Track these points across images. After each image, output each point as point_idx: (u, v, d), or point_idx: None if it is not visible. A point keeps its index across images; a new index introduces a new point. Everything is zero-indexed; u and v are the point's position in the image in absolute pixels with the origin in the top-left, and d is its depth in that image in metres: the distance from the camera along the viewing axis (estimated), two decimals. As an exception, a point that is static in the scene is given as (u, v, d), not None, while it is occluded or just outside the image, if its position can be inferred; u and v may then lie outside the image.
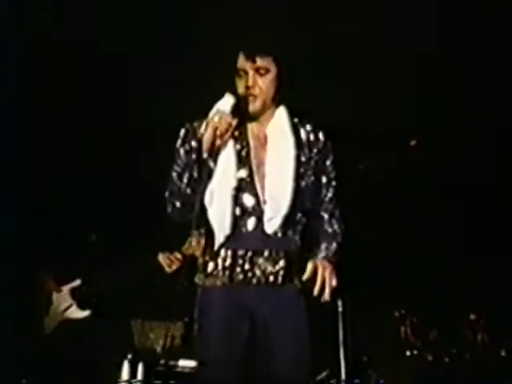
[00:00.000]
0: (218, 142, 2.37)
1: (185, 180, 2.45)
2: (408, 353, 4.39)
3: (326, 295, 2.39)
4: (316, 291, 2.39)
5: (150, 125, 4.43)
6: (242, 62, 2.52)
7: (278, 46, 2.64)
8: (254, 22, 3.87)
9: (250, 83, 2.49)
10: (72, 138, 4.52)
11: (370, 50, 4.17)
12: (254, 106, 2.50)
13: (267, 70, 2.51)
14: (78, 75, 4.29)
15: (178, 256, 4.15)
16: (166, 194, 2.53)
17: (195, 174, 2.44)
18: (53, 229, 4.43)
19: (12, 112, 4.11)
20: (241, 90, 2.50)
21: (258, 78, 2.50)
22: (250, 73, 2.50)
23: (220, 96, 2.49)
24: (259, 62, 2.50)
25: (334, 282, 2.41)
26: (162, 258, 4.19)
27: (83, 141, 4.57)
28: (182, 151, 2.51)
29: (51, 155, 4.56)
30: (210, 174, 2.42)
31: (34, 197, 4.50)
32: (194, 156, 2.45)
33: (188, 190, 2.45)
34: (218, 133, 2.36)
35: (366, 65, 4.23)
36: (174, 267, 4.16)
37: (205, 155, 2.40)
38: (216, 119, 2.37)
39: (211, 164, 2.43)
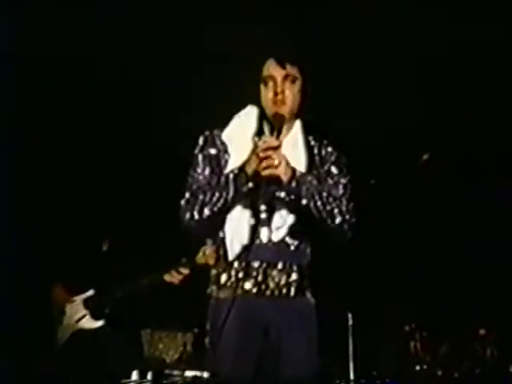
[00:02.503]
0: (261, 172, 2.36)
1: (214, 199, 2.40)
2: (418, 367, 4.39)
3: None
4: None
5: (165, 134, 4.48)
6: (270, 69, 2.49)
7: (306, 56, 2.60)
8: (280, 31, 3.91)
9: (279, 90, 2.46)
10: (87, 147, 4.57)
11: (382, 62, 4.20)
12: (282, 111, 2.47)
13: (295, 78, 2.48)
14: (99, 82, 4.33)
15: (184, 271, 4.16)
16: (183, 202, 2.48)
17: (229, 197, 2.40)
18: (65, 239, 4.46)
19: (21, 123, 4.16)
20: (269, 95, 2.47)
21: (287, 85, 2.47)
22: (279, 79, 2.47)
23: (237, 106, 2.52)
24: (289, 69, 2.48)
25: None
26: (167, 277, 4.21)
27: (98, 151, 4.61)
28: (200, 159, 2.51)
29: (64, 165, 4.60)
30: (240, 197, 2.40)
31: (47, 208, 4.54)
32: (231, 176, 2.40)
33: (215, 208, 2.40)
34: (265, 164, 2.33)
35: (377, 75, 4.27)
36: (181, 277, 4.17)
37: (250, 184, 2.38)
38: (265, 154, 2.34)
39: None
